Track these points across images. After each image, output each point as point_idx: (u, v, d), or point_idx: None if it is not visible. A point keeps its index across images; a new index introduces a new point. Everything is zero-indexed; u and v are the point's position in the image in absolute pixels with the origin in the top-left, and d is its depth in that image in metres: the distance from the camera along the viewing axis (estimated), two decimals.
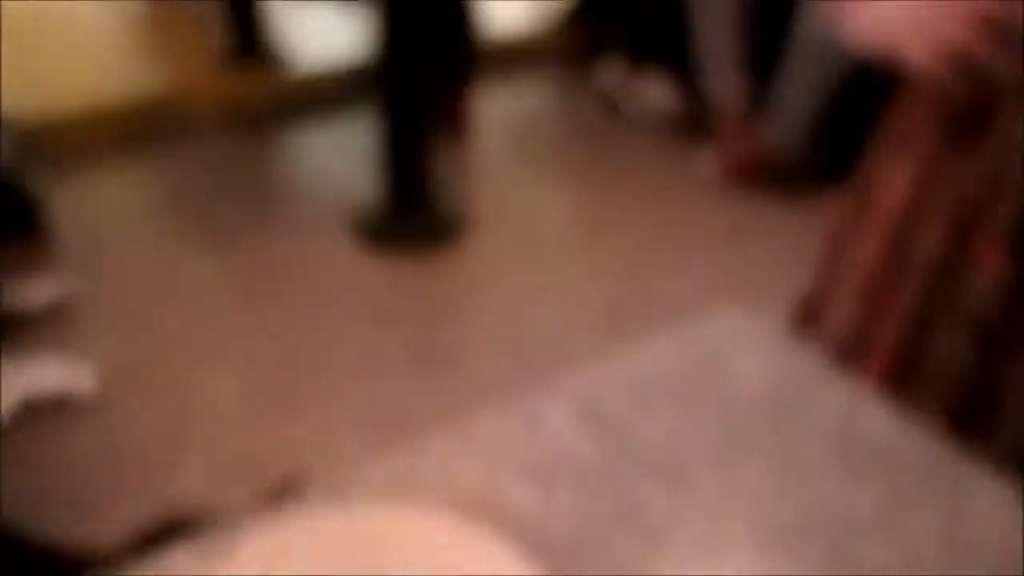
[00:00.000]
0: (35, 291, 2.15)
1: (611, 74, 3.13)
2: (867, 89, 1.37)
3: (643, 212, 2.59)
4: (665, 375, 0.49)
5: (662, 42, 2.98)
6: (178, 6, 3.43)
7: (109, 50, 3.23)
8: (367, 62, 2.49)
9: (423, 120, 2.50)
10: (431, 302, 2.26)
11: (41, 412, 1.84)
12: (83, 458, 1.76)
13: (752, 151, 2.64)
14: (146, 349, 2.05)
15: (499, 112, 3.13)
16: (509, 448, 0.44)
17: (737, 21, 2.56)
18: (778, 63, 2.54)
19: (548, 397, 0.47)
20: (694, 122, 2.89)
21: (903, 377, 0.64)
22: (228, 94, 3.05)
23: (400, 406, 1.90)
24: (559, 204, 2.75)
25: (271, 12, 3.15)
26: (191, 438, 1.82)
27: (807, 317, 0.75)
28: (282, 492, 1.46)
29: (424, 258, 2.39)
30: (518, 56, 3.40)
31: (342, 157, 2.87)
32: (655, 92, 3.00)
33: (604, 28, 3.28)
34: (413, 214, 2.46)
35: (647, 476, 0.42)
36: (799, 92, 2.49)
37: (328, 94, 3.09)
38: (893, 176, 0.67)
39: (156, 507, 1.55)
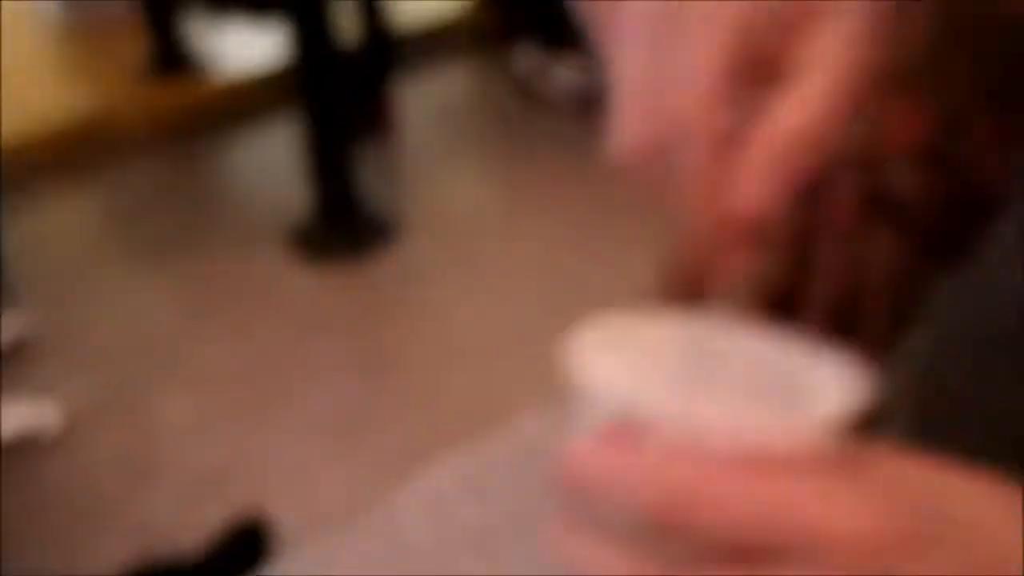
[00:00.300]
0: None
1: (526, 58, 3.24)
2: None
3: (563, 198, 2.72)
4: (487, 470, 0.66)
5: (575, 24, 3.09)
6: (98, 22, 3.46)
7: (32, 75, 3.28)
8: (287, 67, 2.57)
9: (346, 123, 2.60)
10: (368, 308, 2.39)
11: (10, 453, 1.96)
12: (55, 493, 1.89)
13: None
14: (105, 376, 2.18)
15: (418, 103, 3.23)
16: (379, 542, 0.60)
17: None
18: None
19: (402, 496, 0.63)
20: (609, 103, 3.02)
21: None
22: (155, 107, 3.12)
23: (346, 414, 2.05)
24: (483, 195, 2.89)
25: (192, 22, 3.20)
26: (157, 461, 1.96)
27: None
28: (242, 533, 1.61)
29: (358, 263, 2.52)
30: (433, 44, 3.48)
31: (274, 164, 2.97)
32: (570, 75, 3.12)
33: (517, 12, 3.38)
34: (344, 219, 2.58)
35: (467, 551, 0.58)
36: None
37: (255, 101, 3.18)
38: None
39: (131, 541, 1.69)
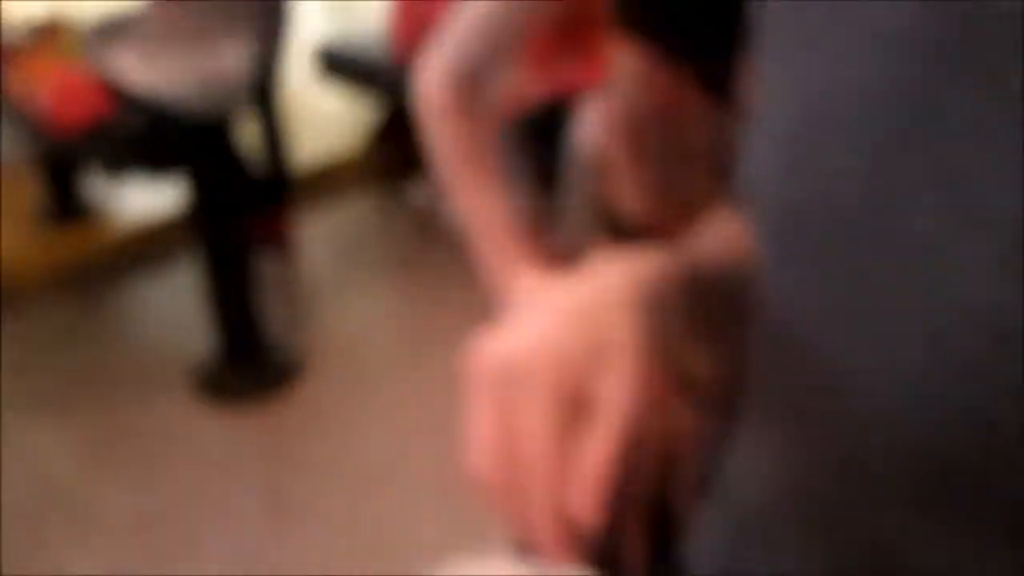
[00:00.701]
0: None
1: (422, 191, 3.39)
2: None
3: (466, 326, 2.81)
4: None
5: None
6: None
7: None
8: (185, 212, 2.63)
9: (246, 263, 2.66)
10: (274, 449, 2.42)
11: None
12: None
13: (554, 255, 2.93)
14: (7, 532, 2.13)
15: (318, 239, 3.32)
16: None
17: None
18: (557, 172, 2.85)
19: None
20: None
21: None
22: (53, 256, 3.13)
23: (254, 560, 2.06)
24: (383, 329, 2.97)
25: (88, 169, 3.25)
26: None
27: None
28: None
29: (262, 403, 2.56)
30: (331, 179, 3.60)
31: (174, 308, 3.00)
32: None
33: (412, 146, 3.53)
34: (247, 359, 2.62)
35: None
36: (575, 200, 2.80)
37: (154, 246, 3.22)
38: None
39: None
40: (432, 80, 0.97)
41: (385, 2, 3.42)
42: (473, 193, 0.96)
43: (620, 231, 0.88)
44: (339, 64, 3.47)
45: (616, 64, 0.78)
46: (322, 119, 3.81)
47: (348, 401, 2.56)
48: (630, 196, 0.83)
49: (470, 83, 0.95)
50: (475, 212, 0.96)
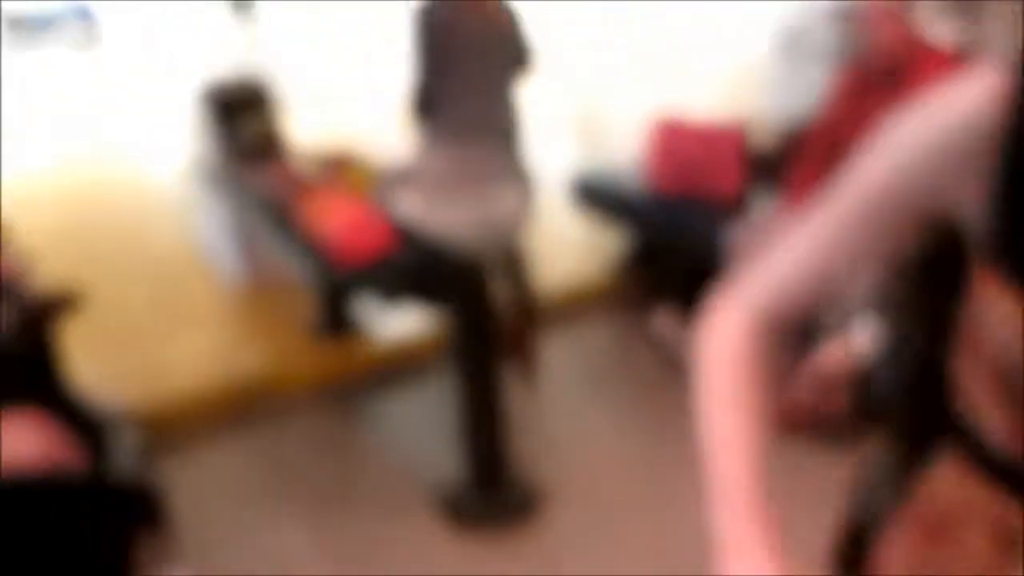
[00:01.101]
0: None
1: (666, 321, 3.39)
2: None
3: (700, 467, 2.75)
4: None
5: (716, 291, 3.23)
6: (272, 283, 3.81)
7: (207, 331, 3.60)
8: (441, 333, 2.74)
9: (497, 392, 2.74)
10: None
11: None
12: None
13: (799, 401, 2.83)
14: None
15: (561, 365, 3.38)
16: None
17: None
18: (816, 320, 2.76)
19: None
20: None
21: None
22: (318, 367, 3.37)
23: None
24: (625, 461, 2.94)
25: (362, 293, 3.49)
26: None
27: None
28: None
29: (504, 532, 2.58)
30: (575, 307, 3.68)
31: (427, 426, 3.12)
32: None
33: (657, 277, 3.56)
34: (492, 486, 2.66)
35: None
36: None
37: (411, 363, 3.40)
38: None
39: None
40: (728, 323, 0.88)
41: (638, 135, 3.53)
42: (723, 440, 0.86)
43: (985, 455, 0.80)
44: (593, 194, 3.59)
45: (986, 304, 0.73)
46: (569, 246, 3.93)
47: (587, 533, 2.54)
48: (999, 431, 0.77)
49: (767, 338, 0.86)
50: (718, 460, 0.87)
